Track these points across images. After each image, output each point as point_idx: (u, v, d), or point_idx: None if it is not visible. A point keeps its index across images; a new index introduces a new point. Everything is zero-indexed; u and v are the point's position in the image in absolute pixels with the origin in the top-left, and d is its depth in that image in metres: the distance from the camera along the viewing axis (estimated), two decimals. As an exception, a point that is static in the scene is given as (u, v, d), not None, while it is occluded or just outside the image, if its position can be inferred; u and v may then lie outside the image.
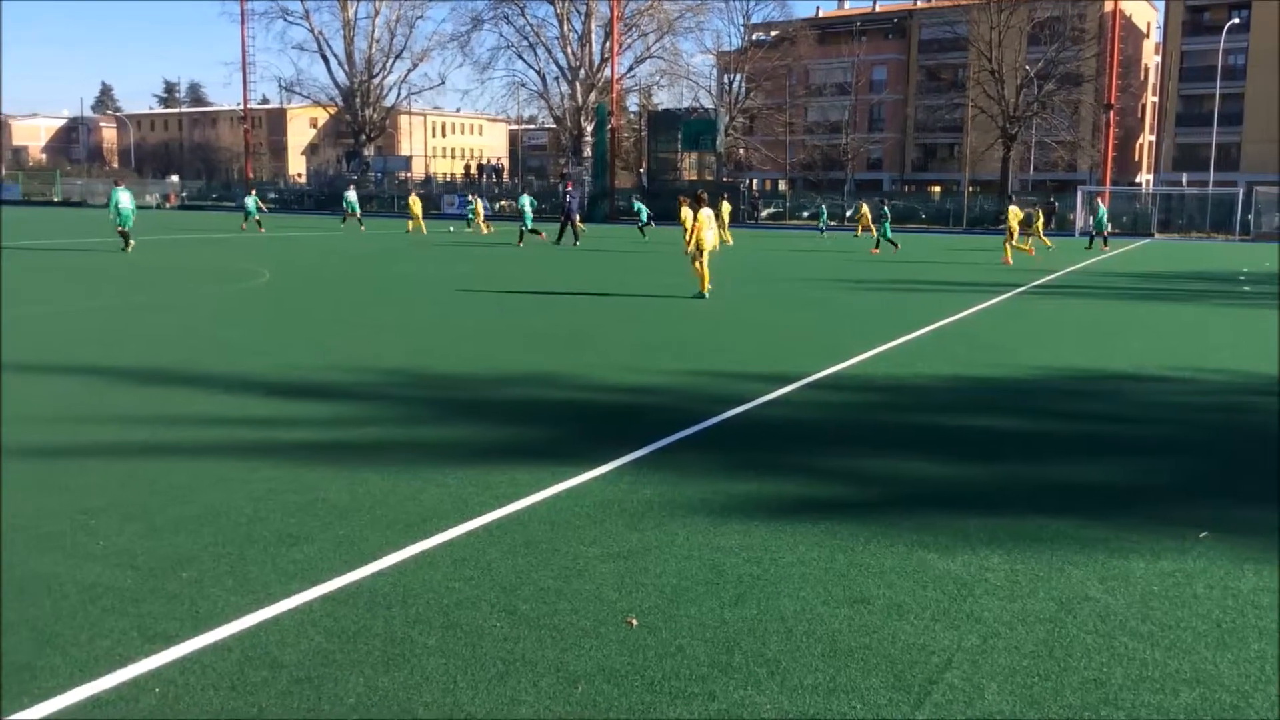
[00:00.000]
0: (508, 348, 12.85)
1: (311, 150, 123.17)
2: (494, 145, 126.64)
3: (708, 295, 18.55)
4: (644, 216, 43.63)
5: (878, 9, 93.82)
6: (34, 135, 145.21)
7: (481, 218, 46.10)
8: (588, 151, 72.62)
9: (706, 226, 18.69)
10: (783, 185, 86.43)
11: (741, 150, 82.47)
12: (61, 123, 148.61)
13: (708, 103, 77.34)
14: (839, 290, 21.49)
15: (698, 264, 18.78)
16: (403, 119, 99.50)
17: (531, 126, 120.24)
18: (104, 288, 19.67)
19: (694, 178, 67.04)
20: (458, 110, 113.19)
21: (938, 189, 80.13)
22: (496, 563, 5.34)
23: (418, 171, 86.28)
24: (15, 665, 4.11)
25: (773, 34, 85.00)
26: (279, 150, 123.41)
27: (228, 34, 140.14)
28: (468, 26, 78.72)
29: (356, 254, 30.70)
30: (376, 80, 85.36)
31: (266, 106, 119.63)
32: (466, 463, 7.24)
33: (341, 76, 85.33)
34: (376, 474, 6.93)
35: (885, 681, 4.14)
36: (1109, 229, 41.54)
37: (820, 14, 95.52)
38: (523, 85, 79.82)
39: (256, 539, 5.64)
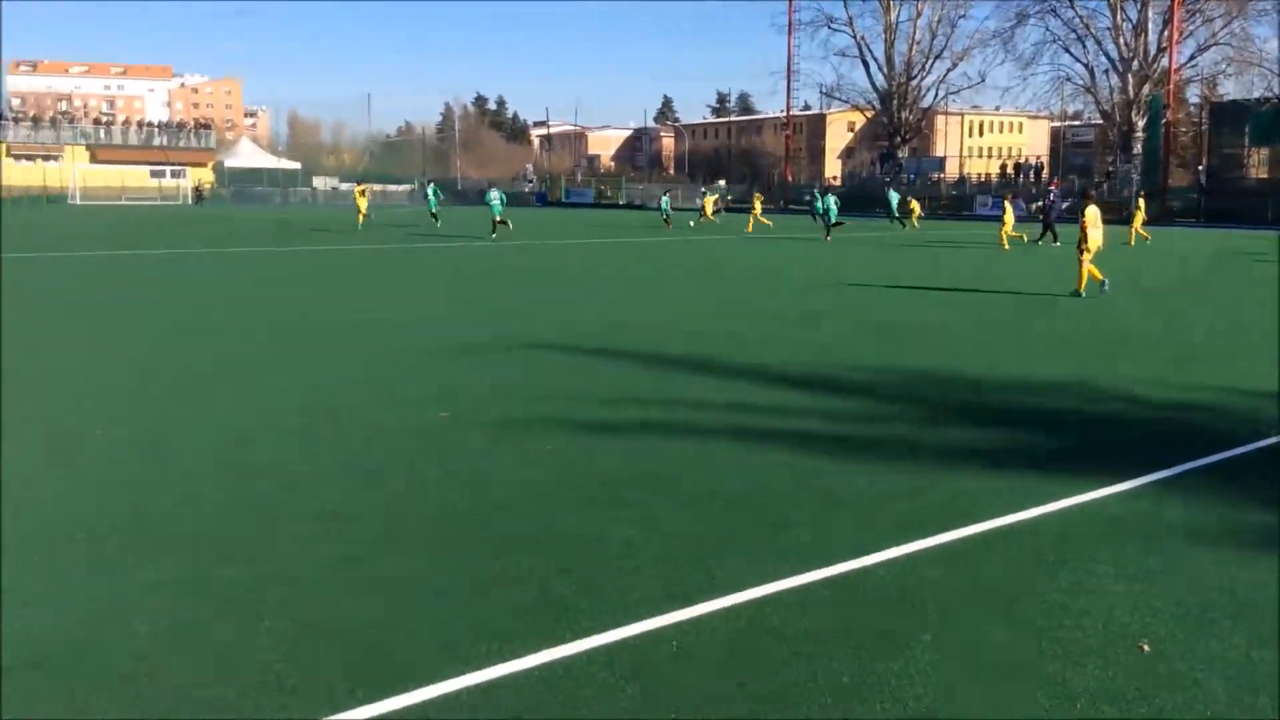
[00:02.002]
0: (1022, 350, 12.44)
1: (847, 153, 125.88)
2: (1034, 143, 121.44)
3: (1084, 294, 18.22)
4: (833, 215, 40.54)
5: None
6: (606, 145, 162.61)
7: (710, 210, 50.22)
8: (1138, 148, 67.42)
9: (1093, 225, 18.17)
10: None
11: (1327, 144, 72.12)
12: (628, 133, 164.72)
13: (1286, 91, 68.50)
14: None
15: (1083, 263, 18.40)
16: (939, 119, 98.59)
17: (1076, 123, 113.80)
18: (663, 280, 21.64)
19: (1263, 175, 59.83)
20: (996, 108, 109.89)
21: None
22: (999, 570, 5.26)
23: (951, 171, 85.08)
24: (562, 606, 4.75)
25: (1376, 8, 73.32)
26: (816, 154, 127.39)
27: (776, 45, 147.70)
28: (1012, 22, 76.11)
29: (863, 257, 31.03)
30: (915, 82, 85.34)
31: (807, 112, 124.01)
32: (971, 466, 7.17)
33: (880, 80, 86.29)
34: (880, 468, 7.07)
35: None
36: None
37: None
38: (1068, 80, 75.84)
39: (767, 519, 6.01)
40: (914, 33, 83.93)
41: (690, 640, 4.40)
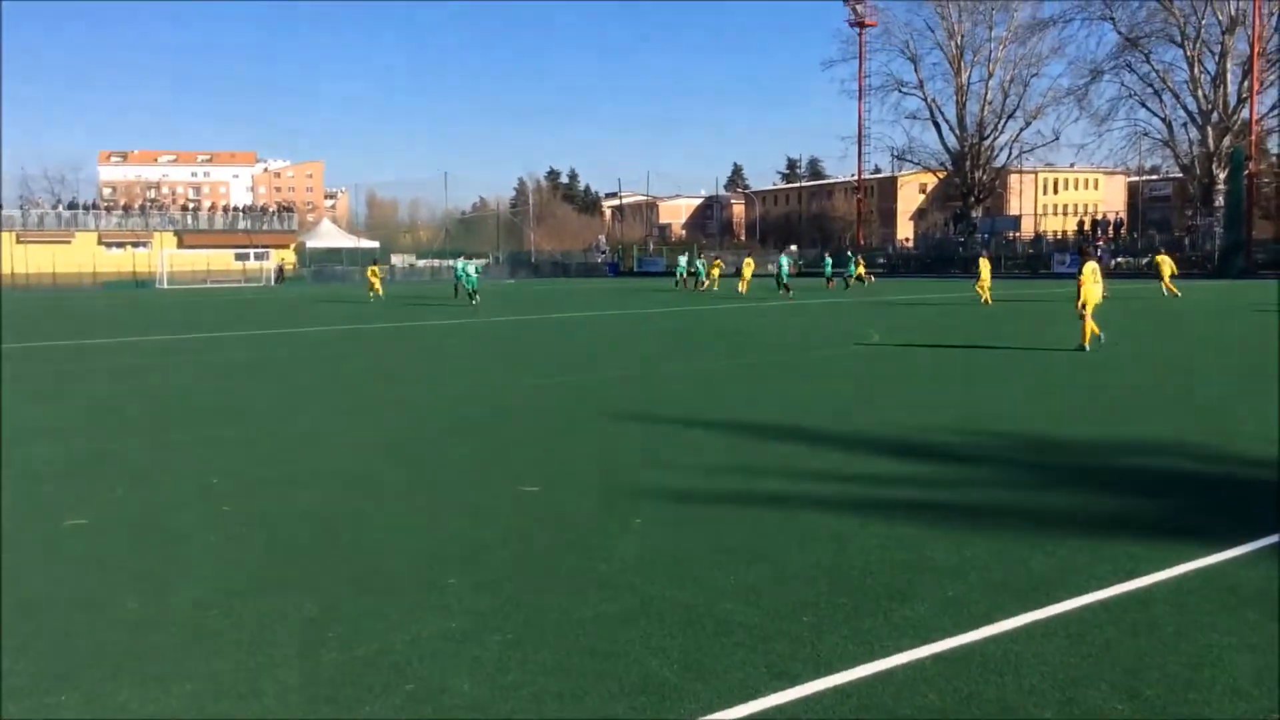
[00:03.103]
0: (1123, 412, 12.13)
1: (919, 215, 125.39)
2: (1111, 199, 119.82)
3: (1088, 348, 18.64)
4: (783, 275, 45.81)
5: None
6: (676, 214, 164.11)
7: (714, 277, 53.75)
8: (1219, 201, 66.28)
9: (1091, 281, 18.69)
10: None
11: None
12: (699, 201, 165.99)
13: (1375, 138, 67.01)
14: None
15: (1084, 318, 18.82)
16: (1012, 178, 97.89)
17: (1154, 177, 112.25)
18: (735, 348, 21.61)
19: (1355, 224, 58.41)
20: (1071, 165, 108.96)
21: None
22: (1115, 642, 5.07)
23: (1026, 230, 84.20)
24: (666, 686, 4.67)
25: None
26: (888, 216, 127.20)
27: (845, 109, 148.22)
28: (1086, 79, 75.75)
29: (936, 318, 30.68)
30: (987, 141, 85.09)
31: (878, 175, 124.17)
32: (1078, 532, 6.96)
33: (952, 141, 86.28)
34: (982, 537, 6.90)
35: None
36: None
37: None
38: (1145, 134, 75.03)
39: (869, 592, 5.88)
40: (986, 93, 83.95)
41: (800, 721, 4.29)
